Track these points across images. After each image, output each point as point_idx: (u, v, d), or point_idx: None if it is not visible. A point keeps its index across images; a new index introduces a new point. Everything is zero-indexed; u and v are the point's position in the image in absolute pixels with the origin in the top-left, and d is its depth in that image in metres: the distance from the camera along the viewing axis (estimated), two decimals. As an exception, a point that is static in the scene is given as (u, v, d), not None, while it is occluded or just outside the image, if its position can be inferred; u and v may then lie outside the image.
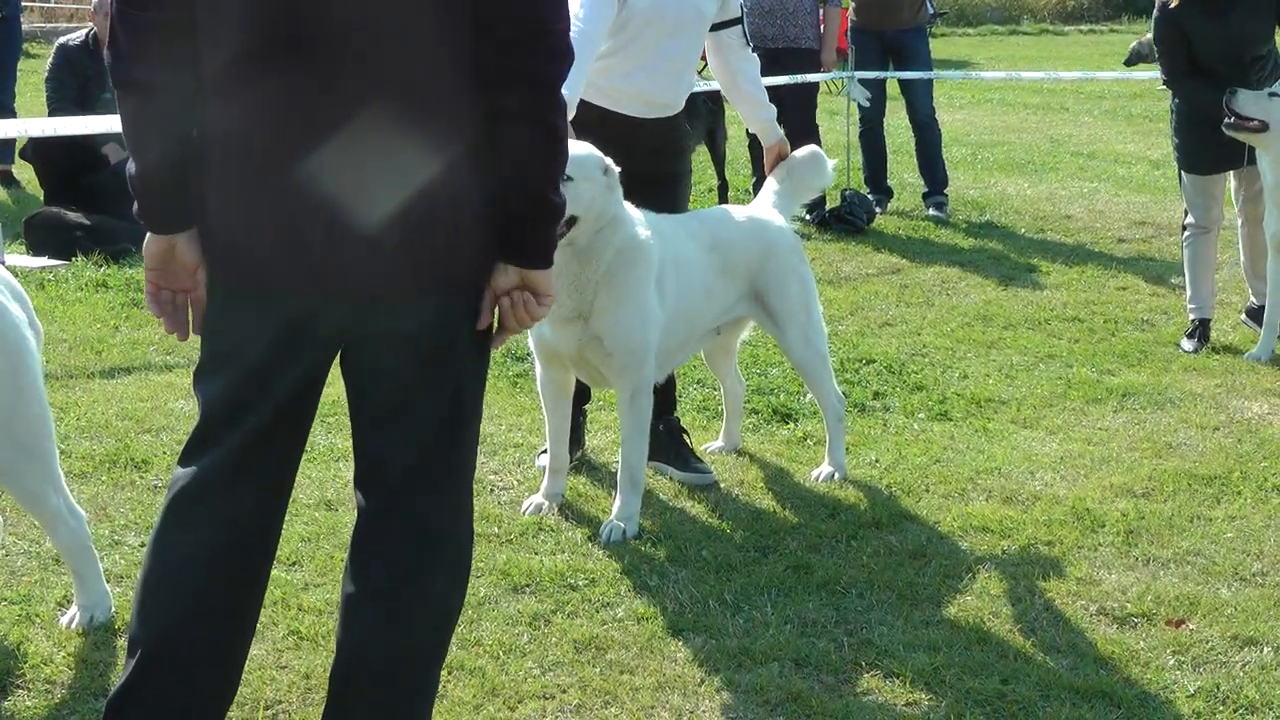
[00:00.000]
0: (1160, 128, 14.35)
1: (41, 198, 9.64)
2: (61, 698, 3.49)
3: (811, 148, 5.42)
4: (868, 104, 10.37)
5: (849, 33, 10.63)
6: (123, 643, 3.41)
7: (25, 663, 3.63)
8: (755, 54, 5.32)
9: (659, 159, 5.06)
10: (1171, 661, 3.79)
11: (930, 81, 10.53)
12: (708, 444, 5.47)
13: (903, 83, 10.53)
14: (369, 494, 2.80)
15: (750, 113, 5.34)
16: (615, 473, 4.85)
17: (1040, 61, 23.29)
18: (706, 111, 10.23)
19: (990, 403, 6.06)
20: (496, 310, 2.78)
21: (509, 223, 2.70)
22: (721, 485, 5.07)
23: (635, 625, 3.95)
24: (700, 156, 9.48)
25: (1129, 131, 15.52)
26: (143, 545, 4.13)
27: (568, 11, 2.74)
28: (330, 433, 5.34)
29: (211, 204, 2.67)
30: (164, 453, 5.14)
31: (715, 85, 6.74)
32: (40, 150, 9.35)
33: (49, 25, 22.93)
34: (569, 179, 4.14)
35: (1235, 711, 3.56)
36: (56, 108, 9.28)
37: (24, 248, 8.59)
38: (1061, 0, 35.28)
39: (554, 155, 2.70)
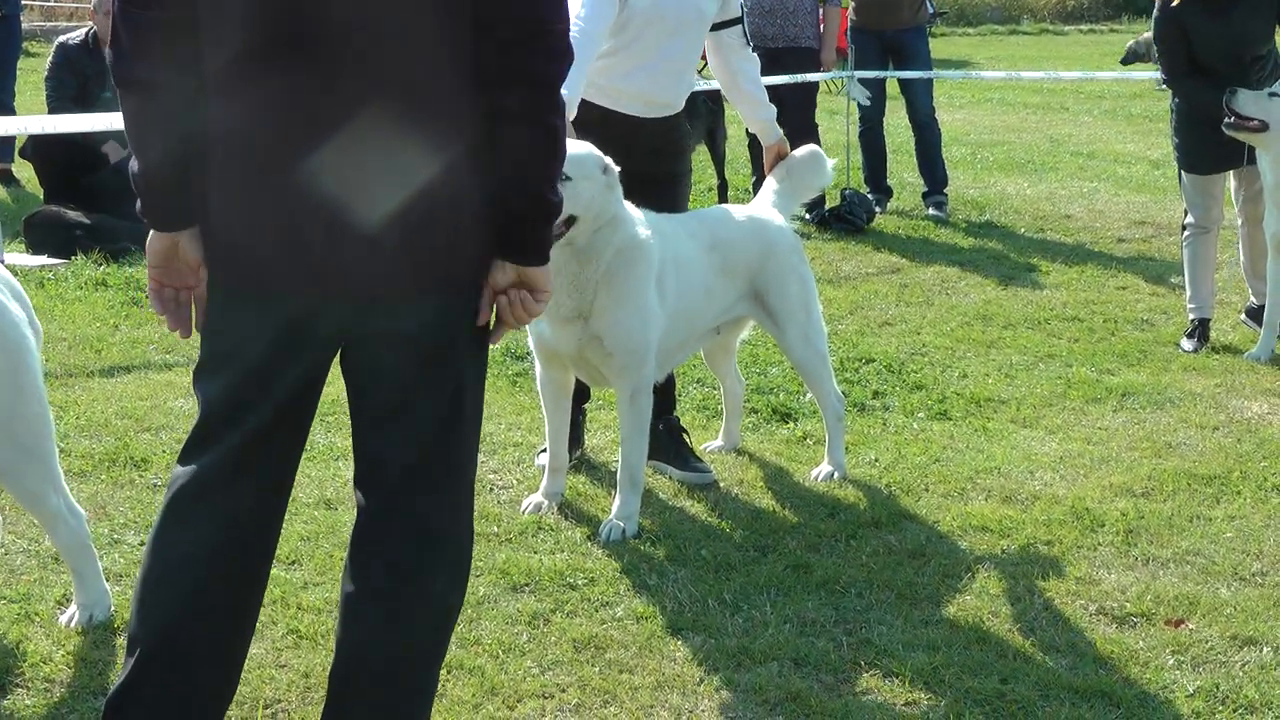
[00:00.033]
0: (1160, 127, 14.36)
1: (41, 196, 9.62)
2: (61, 696, 3.49)
3: (811, 147, 5.43)
4: (868, 103, 10.37)
5: (849, 32, 10.64)
6: (122, 641, 3.41)
7: (24, 661, 3.63)
8: (755, 53, 5.33)
9: (659, 159, 5.06)
10: (1171, 661, 3.79)
11: (930, 81, 10.53)
12: (707, 443, 5.47)
13: (902, 82, 10.53)
14: (369, 493, 2.80)
15: (750, 112, 5.35)
16: (615, 472, 4.85)
17: (1040, 61, 23.29)
18: (706, 111, 10.22)
19: (990, 402, 6.06)
20: (494, 307, 2.78)
21: (508, 221, 2.71)
22: (721, 484, 5.07)
23: (634, 624, 3.95)
24: (700, 156, 9.48)
25: (1129, 131, 15.52)
26: (142, 544, 4.14)
27: (568, 11, 2.74)
28: (330, 432, 5.34)
29: (213, 203, 2.68)
30: (163, 451, 5.14)
31: (715, 85, 6.74)
32: (40, 149, 9.34)
33: (49, 24, 22.92)
34: (568, 178, 4.14)
35: (1235, 711, 3.56)
36: (56, 106, 9.26)
37: (23, 246, 8.58)
38: (1061, 0, 35.29)
39: (553, 155, 2.71)
